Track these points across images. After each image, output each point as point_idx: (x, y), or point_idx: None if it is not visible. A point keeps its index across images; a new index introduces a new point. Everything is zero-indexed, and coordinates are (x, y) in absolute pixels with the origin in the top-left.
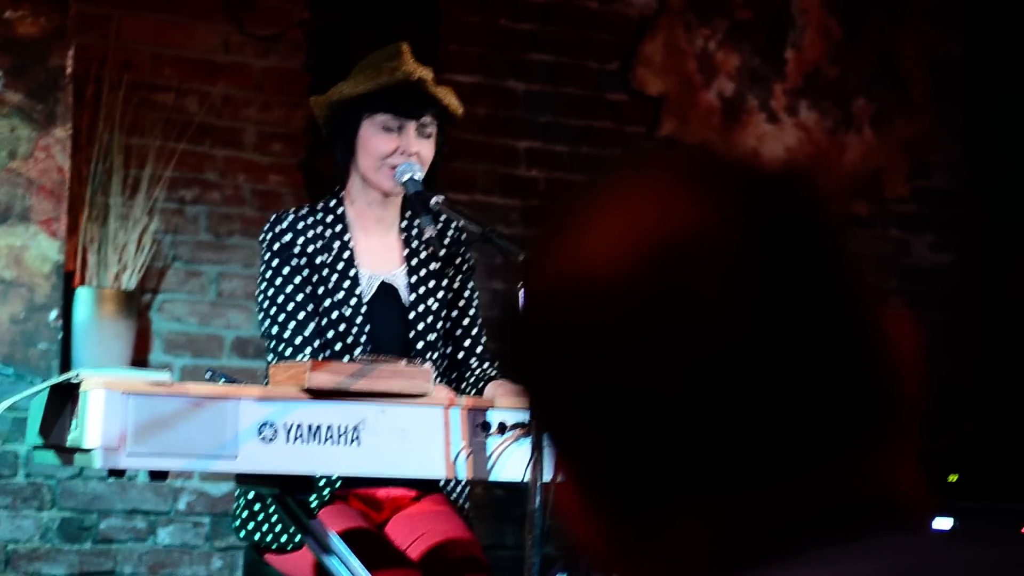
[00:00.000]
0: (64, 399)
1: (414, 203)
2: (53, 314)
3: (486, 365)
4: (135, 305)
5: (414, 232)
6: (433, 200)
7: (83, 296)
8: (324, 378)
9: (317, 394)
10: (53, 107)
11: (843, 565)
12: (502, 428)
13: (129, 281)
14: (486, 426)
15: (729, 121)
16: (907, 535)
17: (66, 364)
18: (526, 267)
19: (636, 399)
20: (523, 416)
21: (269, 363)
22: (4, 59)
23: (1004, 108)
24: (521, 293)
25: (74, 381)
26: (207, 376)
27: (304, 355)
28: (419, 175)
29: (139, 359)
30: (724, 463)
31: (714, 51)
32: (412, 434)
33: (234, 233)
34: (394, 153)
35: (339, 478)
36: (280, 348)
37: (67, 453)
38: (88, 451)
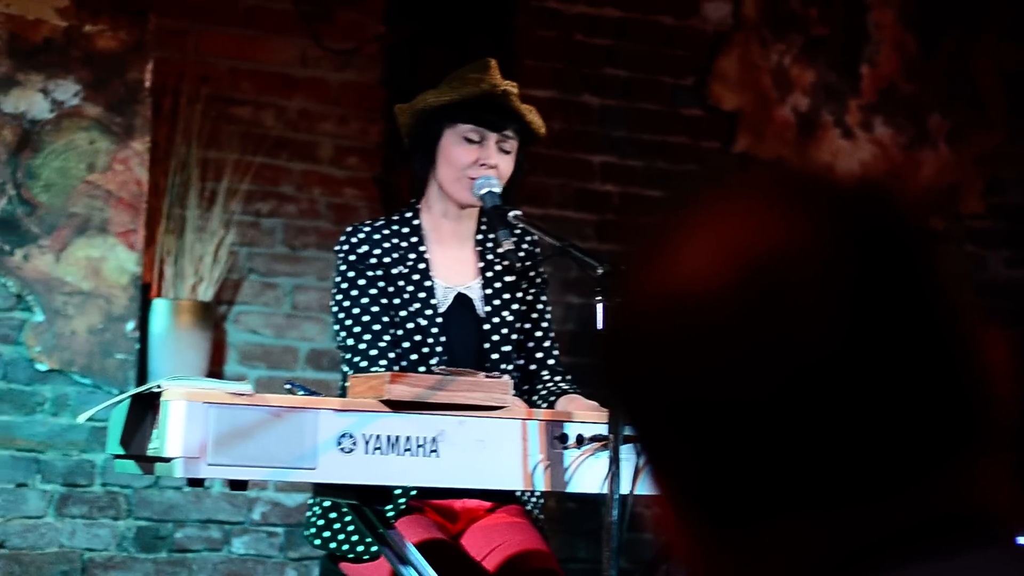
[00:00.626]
0: (145, 409)
1: (492, 216)
2: (131, 325)
3: (558, 378)
4: (211, 317)
5: (490, 245)
6: (511, 214)
7: (160, 308)
8: (403, 390)
9: (396, 406)
10: (132, 120)
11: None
12: (579, 440)
13: (205, 293)
14: (563, 438)
15: (804, 136)
16: (1003, 549)
17: (143, 375)
18: (619, 282)
19: (733, 413)
20: (601, 429)
21: (345, 375)
22: (84, 73)
23: None
24: (611, 308)
25: (156, 391)
26: (286, 387)
27: (379, 367)
28: (497, 188)
29: (215, 370)
30: (820, 479)
31: (789, 66)
32: (490, 446)
33: (309, 246)
34: (474, 164)
35: (415, 489)
36: (356, 360)
37: (147, 462)
38: (169, 460)
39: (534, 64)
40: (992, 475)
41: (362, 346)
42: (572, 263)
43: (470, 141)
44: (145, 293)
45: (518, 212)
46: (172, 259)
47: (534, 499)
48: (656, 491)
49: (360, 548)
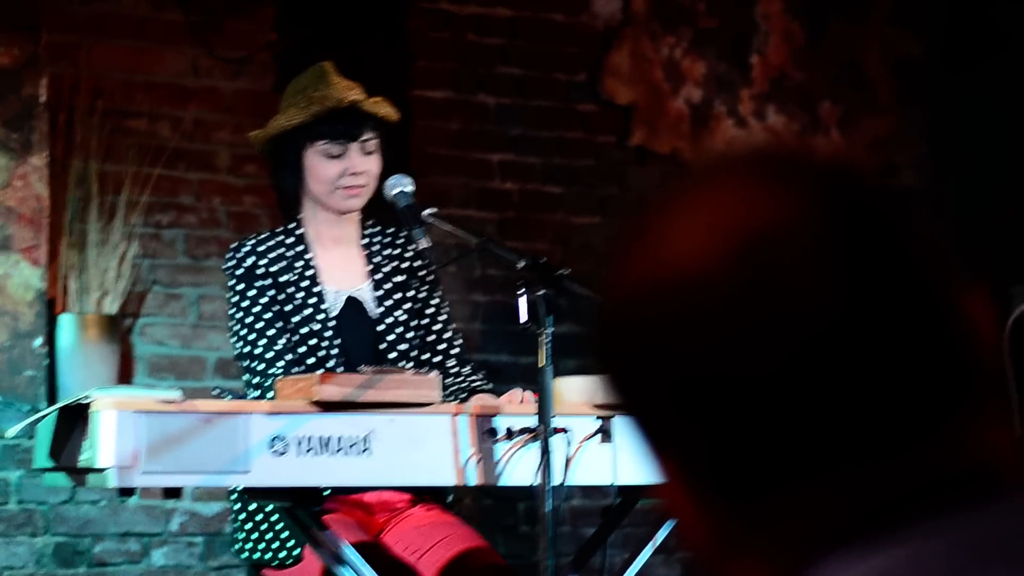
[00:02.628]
0: (74, 421)
1: (405, 216)
2: (38, 341)
3: (466, 370)
4: (117, 330)
5: (376, 247)
6: (425, 212)
7: (66, 323)
8: (332, 390)
9: (326, 406)
10: (29, 136)
11: (951, 533)
12: (509, 433)
13: (111, 306)
14: (493, 432)
15: (698, 127)
16: (1012, 500)
17: (52, 391)
18: (610, 266)
19: (736, 387)
20: (530, 421)
21: (247, 384)
22: None
23: (967, 105)
24: (601, 292)
25: (84, 402)
26: (213, 393)
27: (276, 369)
28: (409, 187)
29: (123, 383)
30: (825, 445)
31: (680, 59)
32: (421, 443)
33: (211, 255)
34: (342, 176)
35: (329, 488)
36: (254, 365)
37: (79, 474)
38: (101, 471)
39: (428, 65)
40: (992, 429)
41: (258, 351)
42: (475, 262)
43: (331, 156)
44: (51, 309)
45: (432, 210)
46: (76, 274)
47: (451, 498)
48: (661, 474)
49: (282, 554)
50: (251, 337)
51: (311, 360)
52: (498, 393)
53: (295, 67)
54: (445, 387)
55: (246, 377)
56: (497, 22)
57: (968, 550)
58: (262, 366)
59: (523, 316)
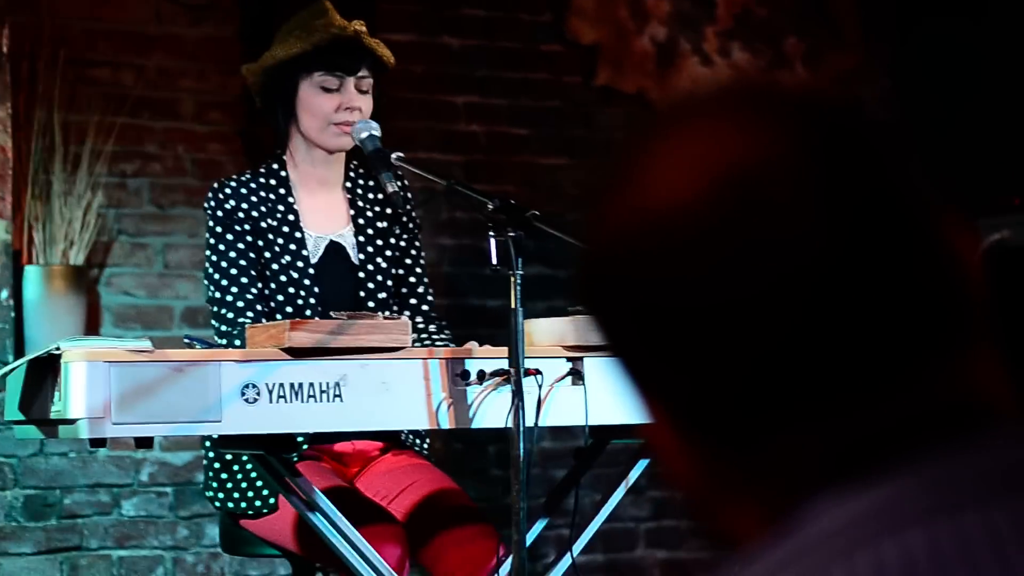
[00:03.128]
0: (43, 373)
1: (374, 160)
2: (4, 294)
3: (432, 327)
4: (84, 281)
5: (360, 191)
6: (394, 156)
7: (32, 274)
8: (303, 336)
9: (297, 353)
10: None
11: (944, 466)
12: (481, 376)
13: (76, 257)
14: (465, 375)
15: (663, 66)
16: (1006, 433)
17: (19, 343)
18: (594, 205)
19: (720, 321)
20: (502, 364)
21: (216, 329)
22: None
23: (932, 39)
24: (584, 230)
25: (55, 353)
26: (184, 342)
27: (246, 319)
28: (377, 132)
29: (90, 334)
30: (815, 382)
31: None
32: (393, 387)
33: (177, 204)
34: (337, 110)
35: (303, 436)
36: (223, 312)
37: (50, 426)
38: (73, 422)
39: (391, 8)
40: (983, 363)
41: (228, 298)
42: (442, 205)
43: (328, 89)
44: (16, 260)
45: (400, 154)
46: (40, 225)
47: (419, 441)
48: (648, 417)
49: (258, 503)
50: (223, 283)
51: (289, 308)
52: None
53: (257, 13)
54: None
55: (214, 323)
56: None
57: (963, 482)
58: (231, 315)
59: (493, 258)
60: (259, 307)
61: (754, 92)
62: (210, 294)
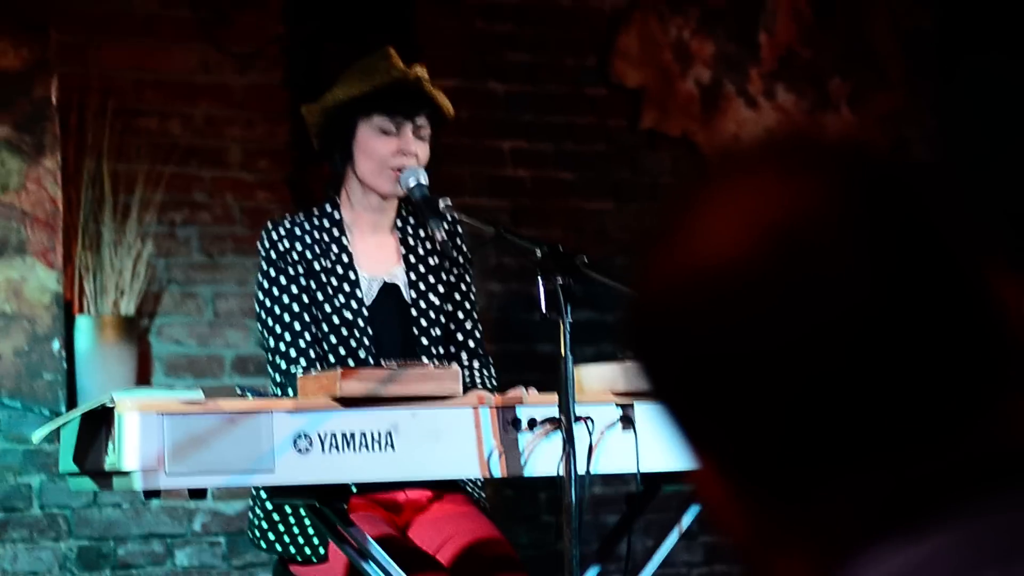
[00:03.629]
0: (98, 425)
1: (422, 207)
2: (56, 344)
3: (476, 364)
4: (135, 330)
5: (410, 231)
6: (442, 203)
7: (83, 325)
8: (354, 386)
9: (348, 402)
10: (41, 138)
11: (992, 517)
12: (532, 424)
13: (127, 307)
14: (516, 423)
15: (709, 109)
16: None
17: (72, 393)
18: (642, 255)
19: (768, 376)
20: (552, 411)
21: (272, 377)
22: None
23: (977, 78)
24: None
25: (109, 405)
26: (237, 392)
27: (300, 365)
28: (424, 179)
29: (142, 384)
30: (857, 429)
31: (688, 39)
32: (444, 435)
33: (226, 252)
34: (394, 154)
35: (357, 485)
36: (277, 360)
37: (104, 478)
38: (127, 474)
39: (436, 54)
40: None
41: (282, 346)
42: (491, 251)
43: (386, 132)
44: (68, 311)
45: (448, 202)
46: (91, 275)
47: (477, 486)
48: (698, 466)
49: (308, 550)
50: (277, 330)
51: (342, 350)
52: (501, 392)
53: (303, 61)
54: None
55: (269, 371)
56: (505, 8)
57: (1012, 533)
58: (284, 363)
59: (543, 305)
60: (312, 353)
61: (797, 143)
62: (264, 340)
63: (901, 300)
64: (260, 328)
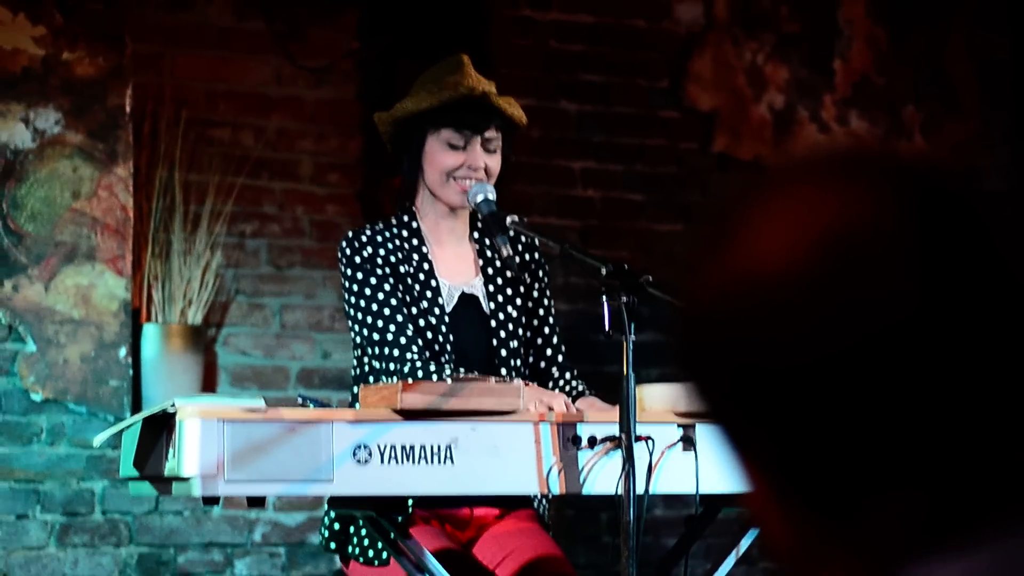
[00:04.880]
0: (159, 430)
1: (488, 224)
2: (123, 351)
3: (568, 376)
4: (201, 340)
5: (486, 242)
6: (509, 219)
7: (150, 332)
8: (416, 398)
9: (409, 415)
10: (114, 146)
11: None
12: (592, 442)
13: (194, 316)
14: (577, 440)
15: (781, 134)
16: None
17: (136, 400)
18: (692, 271)
19: (816, 381)
20: (613, 429)
21: (375, 373)
22: (64, 100)
23: None
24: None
25: (170, 411)
26: (298, 401)
27: (412, 353)
28: (492, 195)
29: (207, 393)
30: (907, 449)
31: (762, 64)
32: (504, 451)
33: (295, 264)
34: (460, 167)
35: (424, 497)
36: (385, 352)
37: (164, 483)
38: (186, 480)
39: (509, 72)
40: None
41: (389, 337)
42: (558, 270)
43: (454, 146)
44: (135, 318)
45: (515, 217)
46: (159, 284)
47: (544, 503)
48: (748, 483)
49: (371, 552)
50: (379, 324)
51: (426, 354)
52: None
53: (378, 75)
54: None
55: (376, 364)
56: (579, 28)
57: None
58: (396, 351)
59: (607, 323)
60: (420, 341)
61: (848, 157)
62: (364, 339)
63: (951, 315)
64: (357, 330)
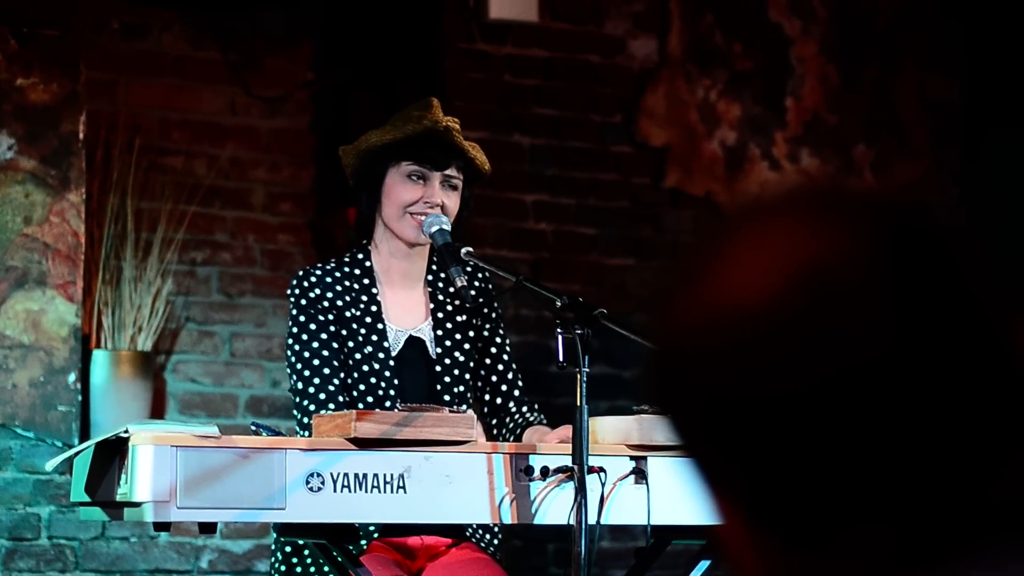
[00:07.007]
0: (111, 456)
1: (443, 254)
2: (72, 377)
3: (524, 409)
4: (150, 367)
5: (441, 285)
6: (463, 251)
7: (100, 359)
8: (369, 427)
9: (362, 443)
10: (67, 172)
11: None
12: (544, 472)
13: (144, 343)
14: (529, 471)
15: (732, 170)
16: None
17: (85, 427)
18: (665, 302)
19: (789, 412)
20: (565, 460)
21: (299, 420)
22: (17, 126)
23: (1002, 151)
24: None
25: (123, 436)
26: (251, 428)
27: (328, 409)
28: (447, 226)
29: (156, 420)
30: (879, 483)
31: (715, 101)
32: (457, 480)
33: (245, 293)
34: (417, 202)
35: (375, 527)
36: (305, 404)
37: (115, 509)
38: (138, 505)
39: (464, 106)
40: None
41: (311, 390)
42: (508, 302)
43: (413, 180)
44: (85, 345)
45: (469, 249)
46: (110, 310)
47: (490, 536)
48: (721, 516)
49: None
50: (306, 374)
51: (370, 399)
52: (552, 428)
53: (332, 106)
54: (503, 425)
55: (296, 413)
56: (533, 63)
57: None
58: (313, 407)
59: (560, 355)
60: (341, 399)
61: (822, 192)
62: (292, 383)
63: (923, 350)
64: (289, 371)
